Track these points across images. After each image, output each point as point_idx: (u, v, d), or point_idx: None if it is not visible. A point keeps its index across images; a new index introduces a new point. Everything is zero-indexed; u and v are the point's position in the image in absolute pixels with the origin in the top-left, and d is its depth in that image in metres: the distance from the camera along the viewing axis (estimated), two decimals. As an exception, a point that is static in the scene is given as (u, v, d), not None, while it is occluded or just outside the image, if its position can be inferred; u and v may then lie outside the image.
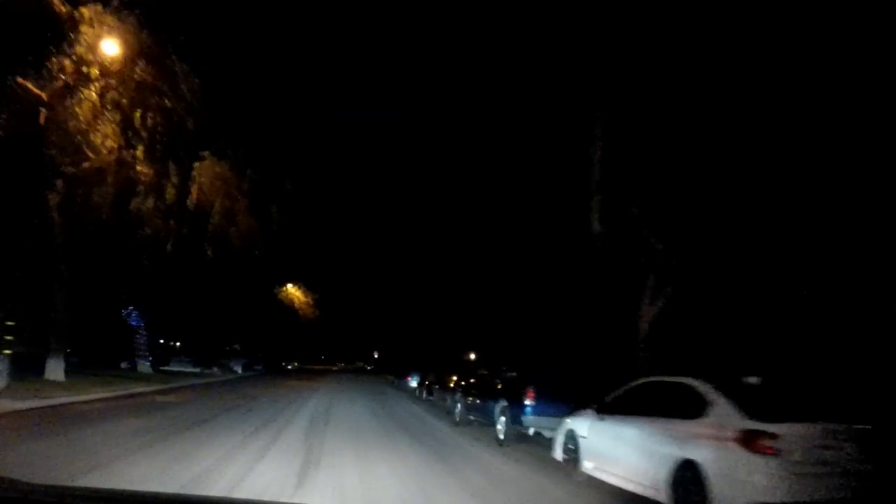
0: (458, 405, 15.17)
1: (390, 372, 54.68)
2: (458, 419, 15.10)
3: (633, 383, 7.78)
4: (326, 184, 58.83)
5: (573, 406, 10.63)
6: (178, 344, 54.60)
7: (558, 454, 8.97)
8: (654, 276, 15.51)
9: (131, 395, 17.74)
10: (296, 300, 53.31)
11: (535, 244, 21.59)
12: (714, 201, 14.61)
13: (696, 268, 15.22)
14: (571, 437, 8.59)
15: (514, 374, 12.41)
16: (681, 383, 6.87)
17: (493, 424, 12.53)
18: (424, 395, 25.99)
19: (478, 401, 13.57)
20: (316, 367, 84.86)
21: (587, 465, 8.01)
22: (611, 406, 7.89)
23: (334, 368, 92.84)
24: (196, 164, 18.89)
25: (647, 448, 6.71)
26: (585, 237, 16.79)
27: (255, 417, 13.35)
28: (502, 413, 11.63)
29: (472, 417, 14.44)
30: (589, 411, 8.41)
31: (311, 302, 56.15)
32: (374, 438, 11.45)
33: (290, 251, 40.75)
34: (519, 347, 27.17)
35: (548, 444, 11.16)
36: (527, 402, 10.69)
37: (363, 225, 75.83)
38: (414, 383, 31.36)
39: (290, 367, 70.72)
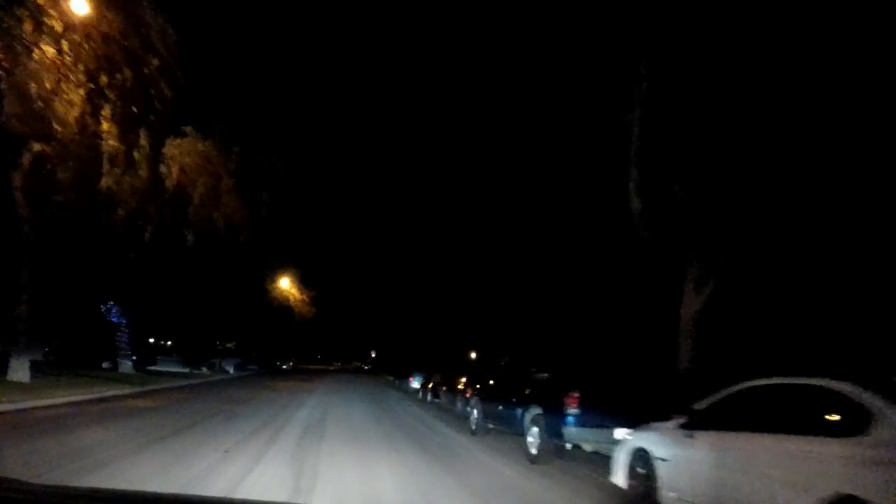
0: (475, 411, 13.18)
1: (389, 371, 52.68)
2: (474, 427, 13.11)
3: (739, 387, 5.80)
4: (322, 174, 56.94)
5: (624, 415, 8.72)
6: (169, 343, 52.60)
7: (620, 479, 7.00)
8: (698, 260, 13.57)
9: (102, 399, 15.71)
10: (291, 297, 51.17)
11: (555, 227, 19.61)
12: (771, 173, 12.69)
13: (748, 251, 13.28)
14: (642, 458, 6.62)
15: (546, 374, 10.39)
16: (822, 387, 4.91)
17: (520, 434, 10.58)
18: (429, 397, 23.97)
19: (500, 406, 11.58)
20: (312, 367, 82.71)
21: (669, 496, 6.05)
22: (706, 418, 5.92)
23: (331, 368, 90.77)
24: (178, 141, 16.89)
25: (776, 478, 4.75)
26: (620, 218, 14.84)
27: (239, 427, 11.35)
28: (535, 423, 9.65)
29: (491, 426, 12.47)
30: (668, 424, 6.45)
31: (307, 299, 54.04)
32: (379, 453, 9.48)
33: (283, 244, 38.99)
34: (532, 344, 25.25)
35: (591, 459, 9.23)
36: (569, 409, 8.70)
37: (360, 218, 73.53)
38: (417, 384, 29.35)
39: (285, 366, 68.61)
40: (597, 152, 16.38)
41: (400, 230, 56.96)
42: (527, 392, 10.39)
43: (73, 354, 27.48)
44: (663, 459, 6.24)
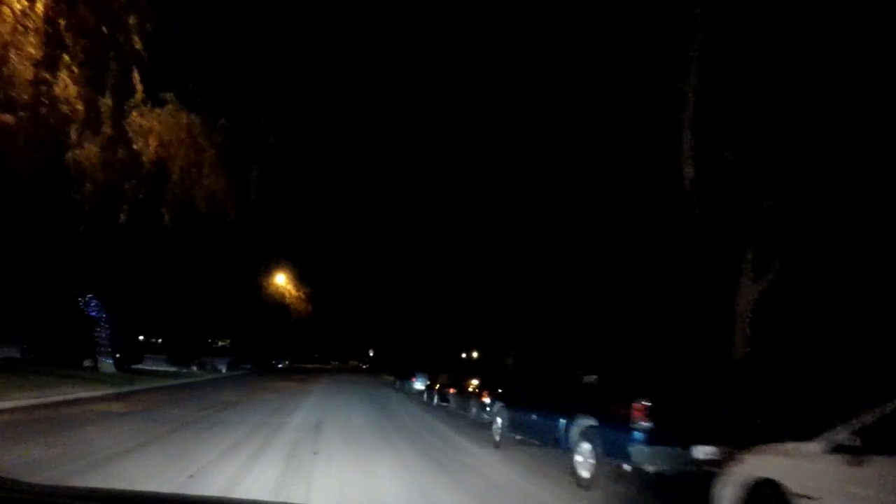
0: (499, 419, 11.24)
1: (388, 371, 50.78)
2: (498, 439, 11.15)
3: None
4: (321, 168, 54.99)
5: (705, 428, 6.86)
6: (159, 340, 50.58)
7: (729, 520, 5.11)
8: (756, 244, 11.71)
9: (67, 402, 13.76)
10: (287, 294, 49.22)
11: (574, 212, 17.72)
12: (844, 146, 10.84)
13: (816, 233, 11.40)
14: (771, 493, 4.72)
15: (595, 376, 8.45)
16: None
17: (555, 447, 8.74)
18: (436, 400, 21.99)
19: (533, 415, 9.64)
20: (309, 366, 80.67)
21: (825, 556, 4.16)
22: (879, 437, 4.03)
23: (328, 367, 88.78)
24: (157, 111, 14.93)
25: None
26: (654, 199, 12.97)
27: (219, 438, 9.43)
28: (585, 437, 7.73)
29: (518, 437, 10.55)
30: (808, 446, 4.58)
31: (304, 297, 52.06)
32: (386, 474, 7.60)
33: (278, 239, 37.34)
34: (538, 341, 23.40)
35: (657, 484, 7.32)
36: (637, 423, 6.78)
37: (358, 213, 71.11)
38: (420, 385, 27.42)
39: (281, 365, 66.62)
40: (631, 130, 14.51)
41: (398, 225, 54.94)
42: (572, 398, 8.47)
43: (54, 352, 25.49)
44: (809, 497, 4.35)
